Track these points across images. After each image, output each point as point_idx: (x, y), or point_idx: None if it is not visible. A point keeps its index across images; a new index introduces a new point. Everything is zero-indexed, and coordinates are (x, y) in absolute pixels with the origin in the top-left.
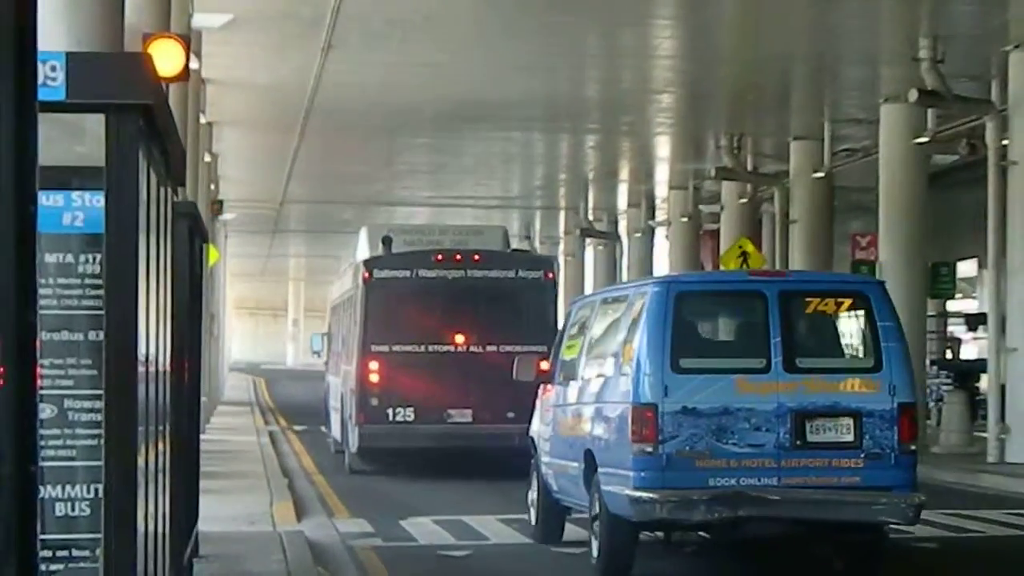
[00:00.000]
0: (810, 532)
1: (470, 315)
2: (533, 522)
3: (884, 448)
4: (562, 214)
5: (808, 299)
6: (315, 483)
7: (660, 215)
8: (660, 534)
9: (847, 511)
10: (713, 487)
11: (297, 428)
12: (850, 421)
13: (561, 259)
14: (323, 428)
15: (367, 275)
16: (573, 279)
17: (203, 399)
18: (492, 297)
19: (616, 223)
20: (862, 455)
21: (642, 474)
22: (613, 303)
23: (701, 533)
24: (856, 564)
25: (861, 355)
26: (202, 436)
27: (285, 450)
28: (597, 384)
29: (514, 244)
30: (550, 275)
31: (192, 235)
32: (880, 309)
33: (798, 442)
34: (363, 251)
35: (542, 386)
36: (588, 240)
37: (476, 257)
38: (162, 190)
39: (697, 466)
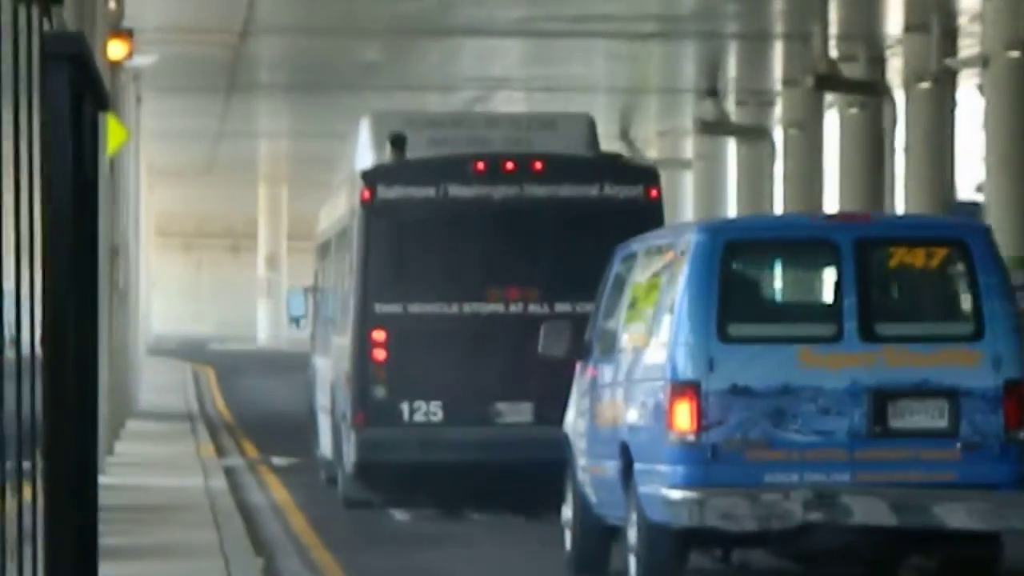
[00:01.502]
0: (892, 543)
1: (528, 257)
2: (568, 547)
3: (986, 436)
4: (777, 51)
5: (892, 249)
6: (318, 567)
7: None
8: (717, 551)
9: (940, 516)
10: (770, 485)
11: (278, 461)
12: (943, 403)
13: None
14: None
15: (367, 195)
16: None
17: (102, 409)
18: (563, 229)
19: (882, 67)
20: (958, 445)
21: (680, 469)
22: (656, 254)
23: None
24: None
25: (958, 320)
26: (102, 478)
27: (256, 503)
28: (634, 359)
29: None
30: (653, 193)
31: (77, 97)
32: (983, 261)
33: (877, 429)
34: (364, 155)
35: (579, 364)
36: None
37: (538, 165)
38: (20, 9)
39: (750, 459)
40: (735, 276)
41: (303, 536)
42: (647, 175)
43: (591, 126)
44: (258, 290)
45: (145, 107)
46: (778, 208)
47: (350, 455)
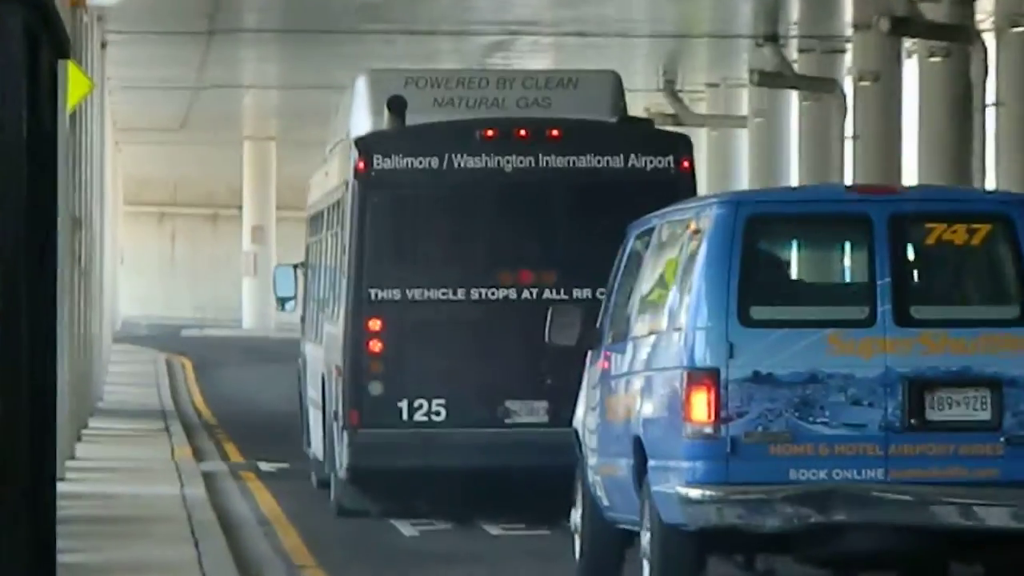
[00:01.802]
0: (929, 546)
1: (544, 236)
2: (577, 555)
3: None
4: None
5: (930, 225)
6: None
7: None
8: (739, 556)
9: (981, 516)
10: (796, 482)
11: (265, 466)
12: (986, 393)
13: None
14: (307, 449)
15: (362, 165)
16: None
17: (61, 405)
18: (583, 204)
19: (970, 8)
20: (1002, 439)
21: (697, 465)
22: (673, 230)
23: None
24: None
25: (1002, 302)
26: (61, 485)
27: (240, 514)
28: (647, 347)
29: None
30: (685, 163)
31: (32, 42)
32: None
33: (913, 421)
34: (359, 120)
35: (590, 353)
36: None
37: (554, 132)
38: None
39: (773, 454)
40: (758, 254)
41: (294, 553)
42: (679, 143)
43: (617, 86)
44: (243, 267)
45: (111, 54)
46: (848, 173)
47: (342, 458)
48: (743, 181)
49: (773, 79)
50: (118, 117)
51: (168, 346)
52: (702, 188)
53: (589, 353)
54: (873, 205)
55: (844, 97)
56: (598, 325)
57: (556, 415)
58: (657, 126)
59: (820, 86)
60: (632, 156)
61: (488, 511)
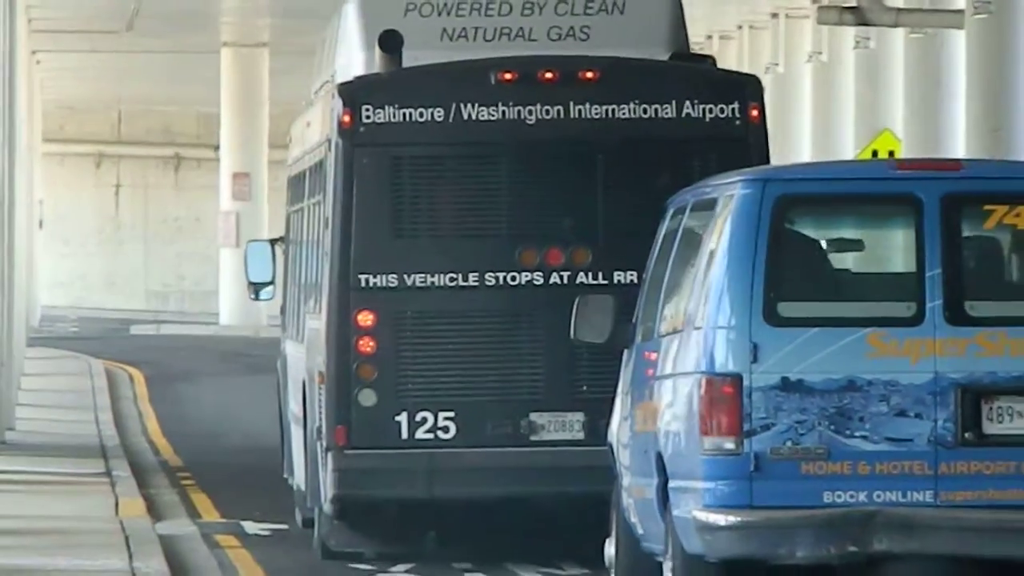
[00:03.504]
0: None
1: (577, 206)
2: None
3: None
4: None
5: (988, 207)
6: None
7: None
8: None
9: None
10: (831, 506)
11: (254, 528)
12: None
13: None
14: (288, 478)
15: (348, 118)
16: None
17: None
18: (626, 165)
19: None
20: None
21: (717, 486)
22: (702, 210)
23: None
24: None
25: None
26: None
27: None
28: (671, 346)
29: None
30: (754, 113)
31: None
32: None
33: (968, 435)
34: (347, 59)
35: (624, 353)
36: None
37: (589, 74)
38: None
39: (805, 473)
40: (788, 240)
41: None
42: (746, 86)
43: (676, 10)
44: (220, 234)
45: None
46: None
47: (327, 487)
48: (956, 101)
49: (868, 10)
50: (35, 13)
51: (110, 350)
52: (896, 113)
53: (624, 353)
54: (922, 183)
55: (961, 25)
56: (633, 319)
57: (593, 430)
58: (804, 26)
59: (928, 18)
60: (687, 103)
61: (513, 551)
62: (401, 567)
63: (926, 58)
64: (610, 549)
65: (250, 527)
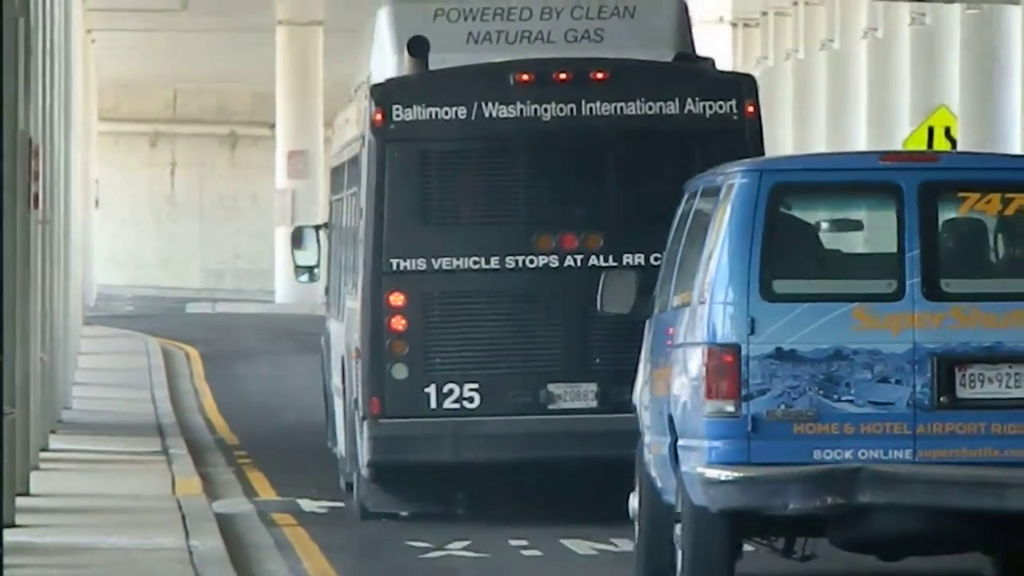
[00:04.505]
0: (960, 529)
1: (589, 195)
2: (635, 540)
3: None
4: None
5: (962, 195)
6: None
7: None
8: (777, 539)
9: (1014, 497)
10: (820, 463)
11: (310, 506)
12: (1020, 369)
13: None
14: (330, 444)
15: (380, 116)
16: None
17: (9, 419)
18: (634, 157)
19: None
20: None
21: (718, 444)
22: (708, 195)
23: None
24: None
25: None
26: (9, 534)
27: None
28: (681, 318)
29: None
30: (750, 108)
31: None
32: None
33: (943, 399)
34: (382, 61)
35: (646, 323)
36: None
37: (600, 74)
38: None
39: (797, 433)
40: (782, 225)
41: None
42: (742, 85)
43: (682, 14)
44: (276, 212)
45: None
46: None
47: (363, 453)
48: (1012, 77)
49: None
50: None
51: (166, 329)
52: (952, 90)
53: (647, 322)
54: (903, 173)
55: None
56: (654, 292)
57: (606, 399)
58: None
59: None
60: (689, 100)
61: (565, 526)
62: (457, 544)
63: (982, 34)
64: (634, 502)
65: (306, 505)
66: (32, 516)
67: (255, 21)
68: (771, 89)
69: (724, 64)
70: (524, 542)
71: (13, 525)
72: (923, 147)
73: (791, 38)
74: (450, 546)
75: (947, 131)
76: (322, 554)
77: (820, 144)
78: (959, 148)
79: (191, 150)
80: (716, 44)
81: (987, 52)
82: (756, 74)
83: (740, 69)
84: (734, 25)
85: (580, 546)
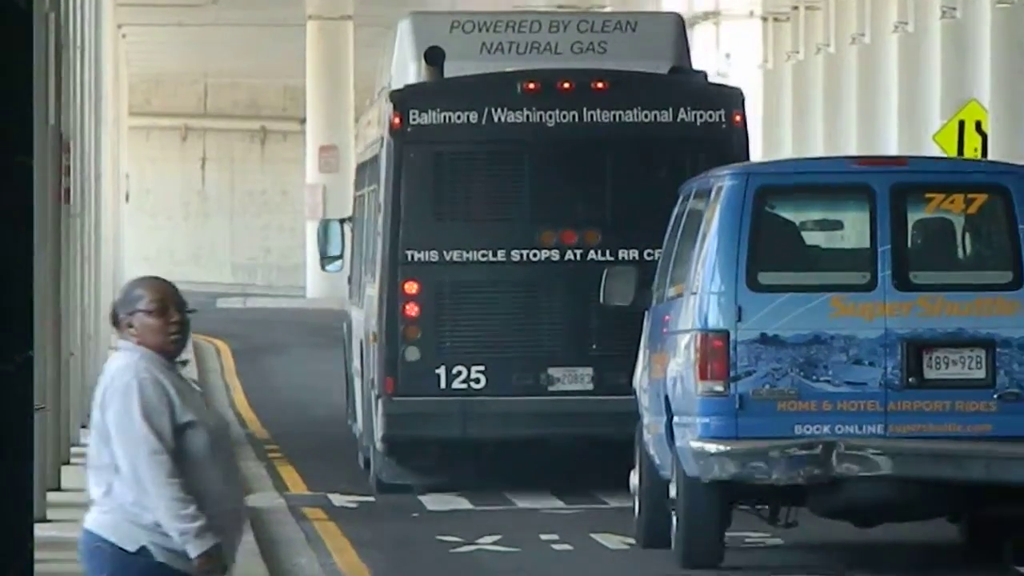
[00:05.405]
0: (927, 497)
1: (588, 195)
2: (636, 513)
3: None
4: None
5: (929, 195)
6: None
7: None
8: (763, 507)
9: (975, 468)
10: (800, 437)
11: (341, 501)
12: (980, 352)
13: None
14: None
15: (397, 121)
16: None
17: (40, 415)
18: (630, 161)
19: None
20: (995, 396)
21: (709, 421)
22: (699, 197)
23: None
24: (985, 541)
25: (996, 268)
26: (41, 529)
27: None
28: (675, 308)
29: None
30: (737, 118)
31: None
32: (1023, 208)
33: (911, 380)
34: (401, 68)
35: (646, 313)
36: None
37: (600, 84)
38: None
39: (779, 410)
40: (766, 222)
41: None
42: (731, 96)
43: (679, 29)
44: (307, 207)
45: None
46: None
47: (378, 428)
48: (934, 108)
49: None
50: None
51: (196, 323)
52: (983, 84)
53: (646, 313)
54: (875, 176)
55: None
56: (653, 285)
57: (601, 382)
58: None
59: None
60: (682, 110)
61: (597, 523)
62: (488, 539)
63: (1013, 27)
64: (634, 478)
65: (337, 500)
66: (63, 511)
67: (285, 15)
68: (802, 83)
69: (755, 59)
70: (555, 536)
71: (44, 520)
72: (954, 141)
73: (822, 32)
74: (481, 540)
75: (978, 125)
76: (352, 548)
77: (851, 137)
78: (990, 142)
79: (222, 145)
80: (746, 39)
81: (1018, 46)
82: (787, 68)
83: (771, 63)
84: (764, 20)
85: (610, 540)
